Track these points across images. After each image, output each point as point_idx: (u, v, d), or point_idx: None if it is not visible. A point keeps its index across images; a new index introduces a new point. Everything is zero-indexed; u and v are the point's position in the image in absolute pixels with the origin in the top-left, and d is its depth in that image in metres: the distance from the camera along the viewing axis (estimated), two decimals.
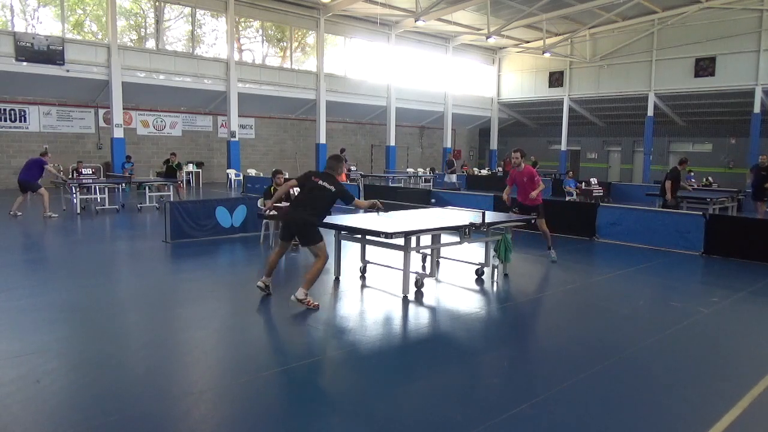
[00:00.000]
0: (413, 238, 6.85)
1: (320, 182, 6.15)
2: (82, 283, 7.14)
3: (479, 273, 7.66)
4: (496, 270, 7.59)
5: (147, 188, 15.59)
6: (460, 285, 7.32)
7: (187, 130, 24.49)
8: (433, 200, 15.55)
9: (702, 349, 5.21)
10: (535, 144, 34.63)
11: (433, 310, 6.25)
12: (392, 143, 28.79)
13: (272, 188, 9.83)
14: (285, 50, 26.77)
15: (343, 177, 20.22)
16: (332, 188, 6.13)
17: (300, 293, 5.88)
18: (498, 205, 13.04)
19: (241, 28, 25.84)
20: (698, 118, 28.94)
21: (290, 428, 3.47)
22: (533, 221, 8.47)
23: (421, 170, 29.09)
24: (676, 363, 4.77)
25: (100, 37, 22.04)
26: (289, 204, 7.25)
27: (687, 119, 29.46)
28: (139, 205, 14.80)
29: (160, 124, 23.65)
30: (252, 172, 23.25)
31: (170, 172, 17.18)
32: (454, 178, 24.43)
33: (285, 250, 6.48)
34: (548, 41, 27.74)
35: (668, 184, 12.16)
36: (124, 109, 20.27)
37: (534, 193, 8.58)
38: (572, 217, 11.67)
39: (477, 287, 7.25)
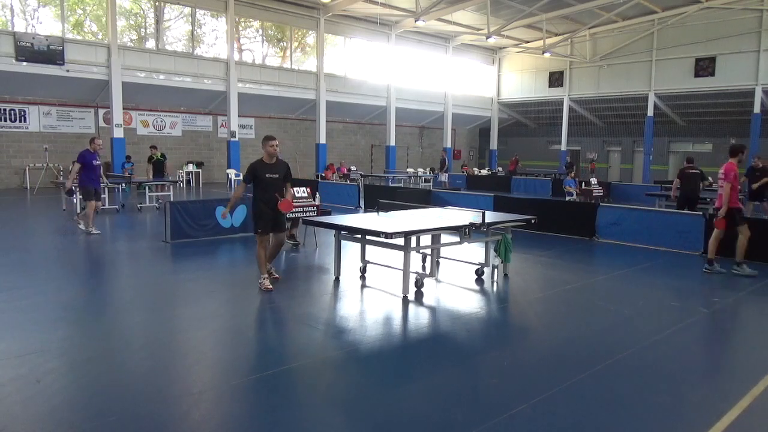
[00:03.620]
0: (413, 238, 6.85)
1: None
2: (83, 283, 7.15)
3: (479, 273, 7.66)
4: (496, 270, 7.59)
5: (147, 188, 15.57)
6: (460, 285, 7.31)
7: (187, 130, 24.50)
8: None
9: (702, 349, 5.21)
10: (535, 144, 34.70)
11: (433, 310, 6.25)
12: (392, 143, 28.79)
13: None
14: (285, 50, 26.76)
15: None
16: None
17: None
18: (498, 205, 13.04)
19: (241, 28, 25.83)
20: (698, 118, 28.95)
21: (290, 428, 3.47)
22: (533, 222, 8.27)
23: (421, 170, 29.10)
24: (676, 363, 4.76)
25: (100, 37, 22.03)
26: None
27: (687, 119, 29.46)
28: (139, 205, 14.80)
29: (160, 124, 23.65)
30: None
31: (158, 166, 16.22)
32: (444, 177, 24.83)
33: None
34: (548, 41, 27.74)
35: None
36: (124, 109, 20.27)
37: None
38: (572, 217, 11.69)
39: (477, 287, 7.24)
